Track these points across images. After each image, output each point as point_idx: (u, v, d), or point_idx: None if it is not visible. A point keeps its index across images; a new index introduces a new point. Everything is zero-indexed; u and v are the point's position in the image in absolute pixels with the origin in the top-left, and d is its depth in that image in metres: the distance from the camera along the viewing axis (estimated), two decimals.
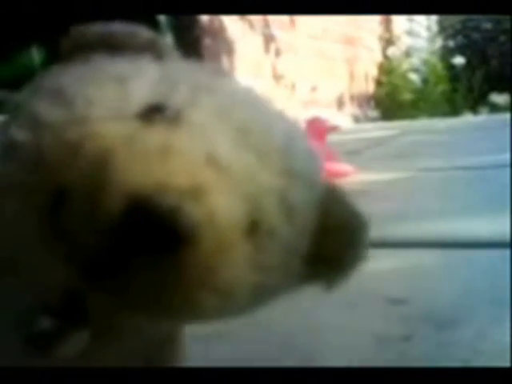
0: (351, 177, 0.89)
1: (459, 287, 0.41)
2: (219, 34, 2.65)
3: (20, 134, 0.19)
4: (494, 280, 0.41)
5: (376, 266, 0.48)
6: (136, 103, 0.20)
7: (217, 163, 0.18)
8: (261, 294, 0.20)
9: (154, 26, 1.59)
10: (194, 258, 0.17)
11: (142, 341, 0.24)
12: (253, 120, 0.21)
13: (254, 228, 0.19)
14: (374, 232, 0.58)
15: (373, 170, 1.03)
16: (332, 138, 0.99)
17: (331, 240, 0.22)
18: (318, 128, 0.98)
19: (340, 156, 1.01)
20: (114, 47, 0.23)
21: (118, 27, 0.23)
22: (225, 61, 2.71)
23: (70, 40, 0.24)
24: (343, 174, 0.88)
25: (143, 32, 0.24)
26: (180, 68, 0.23)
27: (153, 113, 0.19)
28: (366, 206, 0.74)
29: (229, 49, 2.74)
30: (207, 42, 2.58)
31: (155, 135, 0.18)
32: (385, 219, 0.64)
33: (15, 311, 0.20)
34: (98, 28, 0.23)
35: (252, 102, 0.22)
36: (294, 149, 0.21)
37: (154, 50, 0.23)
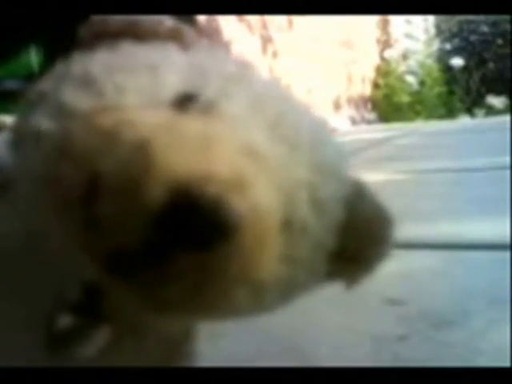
0: None
1: (456, 288, 0.41)
2: (217, 34, 2.65)
3: (47, 123, 0.19)
4: (491, 281, 0.41)
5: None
6: (168, 91, 0.19)
7: (255, 155, 0.18)
8: (289, 290, 0.20)
9: None
10: (236, 252, 0.16)
11: (160, 339, 0.23)
12: (284, 113, 0.21)
13: (287, 222, 0.18)
14: None
15: (370, 172, 1.04)
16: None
17: (357, 236, 0.22)
18: None
19: None
20: (138, 36, 0.22)
21: (142, 17, 0.23)
22: None
23: (91, 28, 0.23)
24: None
25: (168, 21, 0.24)
26: (208, 58, 0.22)
27: (186, 102, 0.19)
28: None
29: (226, 50, 2.73)
30: (204, 43, 2.58)
31: (193, 124, 0.18)
32: None
33: (36, 309, 0.19)
34: (122, 17, 0.23)
35: (282, 95, 0.22)
36: (323, 143, 0.21)
37: (179, 40, 0.23)
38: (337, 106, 3.74)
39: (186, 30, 0.23)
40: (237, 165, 0.17)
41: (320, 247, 0.20)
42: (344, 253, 0.22)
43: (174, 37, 0.23)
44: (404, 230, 0.59)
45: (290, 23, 3.39)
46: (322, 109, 3.48)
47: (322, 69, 3.65)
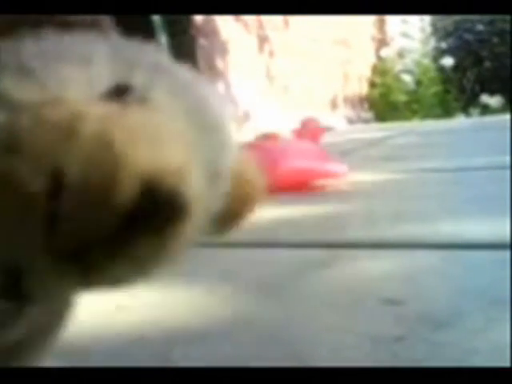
0: (345, 177, 0.89)
1: (454, 288, 0.41)
2: (214, 34, 2.65)
3: None
4: (489, 281, 0.42)
5: (371, 266, 0.49)
6: (104, 83, 0.20)
7: (186, 142, 0.19)
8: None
9: (148, 26, 1.60)
10: (184, 230, 0.18)
11: (47, 308, 0.24)
12: (197, 99, 0.22)
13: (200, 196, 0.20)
14: (370, 232, 0.58)
15: (367, 171, 1.04)
16: (326, 138, 0.99)
17: (236, 200, 0.24)
18: (311, 129, 0.98)
19: (334, 156, 1.02)
20: (58, 24, 0.22)
21: None
22: (219, 61, 2.71)
23: (8, 16, 0.23)
24: (337, 175, 0.88)
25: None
26: (127, 47, 0.23)
27: (121, 94, 0.20)
28: (360, 207, 0.74)
29: (223, 49, 2.74)
30: (202, 42, 2.58)
31: (139, 117, 0.19)
32: (380, 220, 0.64)
33: None
34: None
35: (193, 82, 0.23)
36: (224, 125, 0.23)
37: (98, 28, 0.23)
38: (333, 105, 3.75)
39: (104, 19, 0.24)
40: (181, 154, 0.19)
41: (210, 213, 0.22)
42: (225, 213, 0.24)
43: (93, 25, 0.23)
44: (402, 230, 0.59)
45: (286, 22, 3.39)
46: (318, 108, 3.48)
47: (319, 68, 3.65)
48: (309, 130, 0.98)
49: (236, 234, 0.69)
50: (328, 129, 1.00)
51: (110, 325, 0.38)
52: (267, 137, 0.94)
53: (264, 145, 0.90)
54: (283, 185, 0.86)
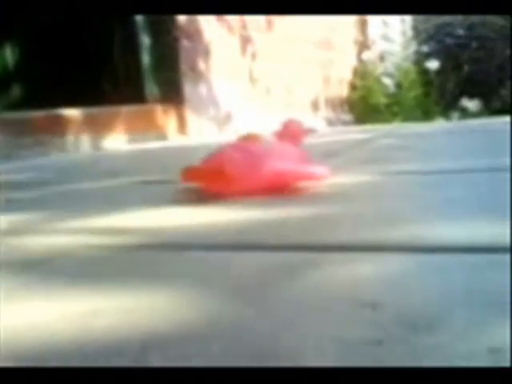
0: (326, 179, 0.89)
1: (434, 291, 0.41)
2: (197, 35, 2.64)
3: None
4: (468, 284, 0.41)
5: (350, 269, 0.48)
6: None
7: None
8: None
9: (131, 25, 1.59)
10: None
11: None
12: None
13: None
14: (350, 235, 0.58)
15: (348, 173, 1.03)
16: (307, 140, 0.99)
17: None
18: (293, 130, 0.98)
19: (315, 158, 1.01)
20: None
21: None
22: (201, 62, 2.70)
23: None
24: (319, 177, 0.88)
25: None
26: None
27: None
28: (341, 209, 0.74)
29: (206, 50, 2.73)
30: (184, 43, 2.57)
31: None
32: (361, 222, 0.64)
33: None
34: None
35: None
36: None
37: None
38: (314, 106, 3.75)
39: None
40: None
41: None
42: None
43: None
44: (382, 233, 0.59)
45: (270, 24, 3.39)
46: (300, 109, 3.49)
47: (300, 70, 3.65)
48: (290, 132, 0.98)
49: (216, 236, 0.68)
50: (311, 130, 0.99)
51: (85, 329, 0.37)
52: (249, 138, 0.93)
53: (246, 146, 0.90)
54: (265, 186, 0.85)
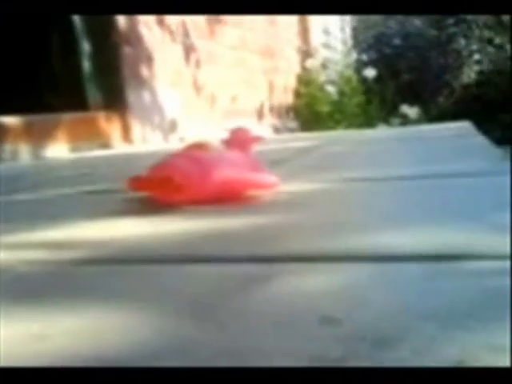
0: (277, 188, 0.87)
1: (395, 303, 0.39)
2: (138, 41, 2.59)
3: None
4: (429, 295, 0.40)
5: (306, 281, 0.46)
6: None
7: None
8: None
9: (70, 30, 1.53)
10: None
11: None
12: None
13: None
14: (301, 245, 0.56)
15: (298, 181, 1.02)
16: (255, 148, 0.97)
17: None
18: (241, 138, 0.96)
19: (264, 166, 1.00)
20: None
21: None
22: (144, 69, 2.65)
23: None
24: (269, 185, 0.87)
25: None
26: None
27: None
28: (294, 218, 0.72)
29: (148, 57, 2.68)
30: (126, 49, 2.51)
31: None
32: (314, 232, 0.62)
33: None
34: None
35: None
36: None
37: None
38: (260, 114, 3.75)
39: None
40: None
41: None
42: None
43: None
44: (338, 242, 0.57)
45: (212, 31, 3.38)
46: (245, 117, 3.48)
47: (245, 77, 3.65)
48: (239, 140, 0.96)
49: (165, 248, 0.65)
50: (259, 138, 0.98)
51: (25, 355, 0.34)
52: (197, 146, 0.91)
53: (194, 154, 0.87)
54: (215, 195, 0.83)
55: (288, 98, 4.12)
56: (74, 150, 2.13)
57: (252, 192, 0.86)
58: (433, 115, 4.69)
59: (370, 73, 4.27)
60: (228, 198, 0.83)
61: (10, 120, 1.96)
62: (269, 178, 0.87)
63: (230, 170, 0.85)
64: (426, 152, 1.39)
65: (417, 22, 6.65)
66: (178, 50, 2.98)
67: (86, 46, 2.38)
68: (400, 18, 6.46)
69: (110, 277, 0.50)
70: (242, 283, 0.44)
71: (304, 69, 4.30)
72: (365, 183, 0.96)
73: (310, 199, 0.83)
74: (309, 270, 0.48)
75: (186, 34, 3.08)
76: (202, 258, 0.54)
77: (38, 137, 2.00)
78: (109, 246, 0.62)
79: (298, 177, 1.08)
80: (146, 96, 2.61)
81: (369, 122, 4.12)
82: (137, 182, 0.83)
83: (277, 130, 3.84)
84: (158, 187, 0.82)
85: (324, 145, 1.88)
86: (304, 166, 1.28)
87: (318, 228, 0.63)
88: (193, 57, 3.12)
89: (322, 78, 4.29)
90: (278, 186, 0.86)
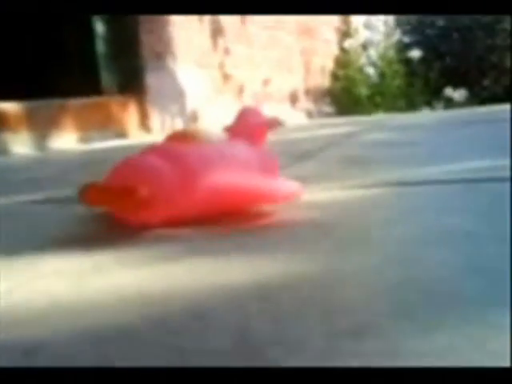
0: (297, 198, 0.57)
1: None
2: (159, 19, 2.31)
3: None
4: None
5: None
6: None
7: None
8: None
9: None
10: None
11: None
12: None
13: None
14: (339, 317, 0.28)
15: (330, 184, 0.72)
16: (278, 135, 0.67)
17: None
18: (251, 124, 0.67)
19: (285, 162, 0.70)
20: None
21: None
22: (165, 50, 2.37)
23: None
24: (284, 197, 0.56)
25: None
26: None
27: None
28: (321, 257, 0.41)
29: (171, 37, 2.40)
30: (145, 27, 2.23)
31: None
32: (354, 284, 0.33)
33: None
34: None
35: None
36: None
37: None
38: (294, 98, 3.45)
39: None
40: None
41: None
42: None
43: None
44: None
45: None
46: (278, 101, 3.18)
47: (280, 58, 3.34)
48: (247, 127, 0.67)
49: (104, 324, 0.35)
50: (276, 123, 0.68)
51: None
52: (183, 136, 0.62)
53: (176, 150, 0.58)
54: (202, 211, 0.54)
55: (325, 81, 3.79)
56: (83, 139, 1.87)
57: (259, 206, 0.57)
58: (480, 98, 4.30)
59: (416, 54, 3.92)
60: (222, 214, 0.55)
61: (10, 106, 1.71)
62: (285, 184, 0.57)
63: (227, 174, 0.56)
64: (489, 141, 1.07)
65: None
66: (205, 29, 2.68)
67: (100, 24, 2.11)
68: None
69: None
70: None
71: (343, 50, 3.96)
72: (413, 189, 0.65)
73: (343, 217, 0.53)
74: None
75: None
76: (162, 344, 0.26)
77: (42, 125, 1.75)
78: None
79: (330, 177, 0.78)
80: (167, 79, 2.32)
81: (410, 106, 3.77)
82: (90, 193, 0.55)
83: (311, 115, 3.53)
84: (117, 201, 0.53)
85: (362, 132, 1.56)
86: (336, 161, 0.96)
87: (358, 277, 0.34)
88: (221, 37, 2.83)
89: (362, 59, 3.94)
90: (298, 195, 0.57)
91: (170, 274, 0.39)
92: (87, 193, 0.54)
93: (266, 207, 0.57)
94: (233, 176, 0.57)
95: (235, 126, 0.68)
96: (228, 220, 0.54)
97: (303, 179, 0.58)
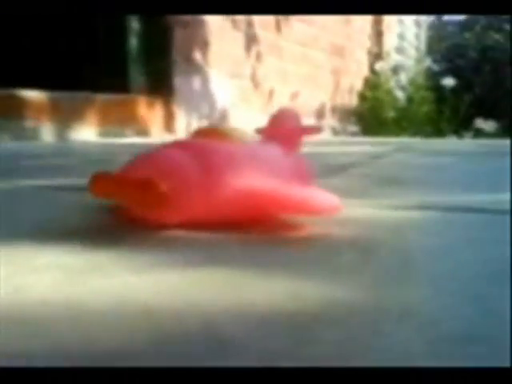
0: (335, 213, 0.50)
1: None
2: (194, 23, 2.27)
3: None
4: None
5: None
6: None
7: None
8: None
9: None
10: None
11: None
12: None
13: None
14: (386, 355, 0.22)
15: (364, 201, 0.65)
16: (304, 148, 0.61)
17: None
18: (287, 127, 0.61)
19: (318, 174, 0.64)
20: None
21: None
22: (197, 54, 2.33)
23: None
24: (321, 209, 0.50)
25: None
26: None
27: None
28: (363, 285, 0.34)
29: (204, 42, 2.35)
30: (179, 31, 2.19)
31: None
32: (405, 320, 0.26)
33: None
34: None
35: None
36: None
37: None
38: (320, 114, 3.39)
39: None
40: None
41: None
42: None
43: None
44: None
45: (278, 24, 3.04)
46: (304, 116, 3.13)
47: (309, 75, 3.29)
48: (283, 130, 0.60)
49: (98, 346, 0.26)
50: (314, 129, 0.61)
51: None
52: (211, 133, 0.56)
53: (203, 146, 0.52)
54: (226, 215, 0.48)
55: (352, 101, 3.73)
56: (104, 134, 1.82)
57: (290, 215, 0.50)
58: (509, 130, 4.22)
59: (449, 82, 3.85)
60: (249, 221, 0.49)
61: (35, 94, 1.67)
62: (323, 196, 0.50)
63: (258, 177, 0.50)
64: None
65: (495, 35, 6.35)
66: (239, 38, 2.64)
67: (135, 23, 2.07)
68: (477, 30, 6.22)
69: None
70: None
71: (373, 71, 3.90)
72: (460, 214, 0.58)
73: (383, 237, 0.46)
74: None
75: (250, 23, 2.74)
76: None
77: (66, 116, 1.70)
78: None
79: (362, 195, 0.71)
80: (196, 83, 2.28)
81: (437, 133, 3.70)
82: (103, 183, 0.49)
83: (336, 132, 3.47)
84: (133, 194, 0.47)
85: (392, 152, 1.49)
86: (369, 179, 0.90)
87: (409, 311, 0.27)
88: (254, 47, 2.78)
89: (391, 82, 3.88)
90: (337, 210, 0.50)
91: (181, 286, 0.33)
92: (97, 183, 0.48)
93: (298, 218, 0.50)
94: (263, 180, 0.50)
95: (269, 129, 0.61)
96: (254, 228, 0.48)
97: (335, 193, 0.51)
